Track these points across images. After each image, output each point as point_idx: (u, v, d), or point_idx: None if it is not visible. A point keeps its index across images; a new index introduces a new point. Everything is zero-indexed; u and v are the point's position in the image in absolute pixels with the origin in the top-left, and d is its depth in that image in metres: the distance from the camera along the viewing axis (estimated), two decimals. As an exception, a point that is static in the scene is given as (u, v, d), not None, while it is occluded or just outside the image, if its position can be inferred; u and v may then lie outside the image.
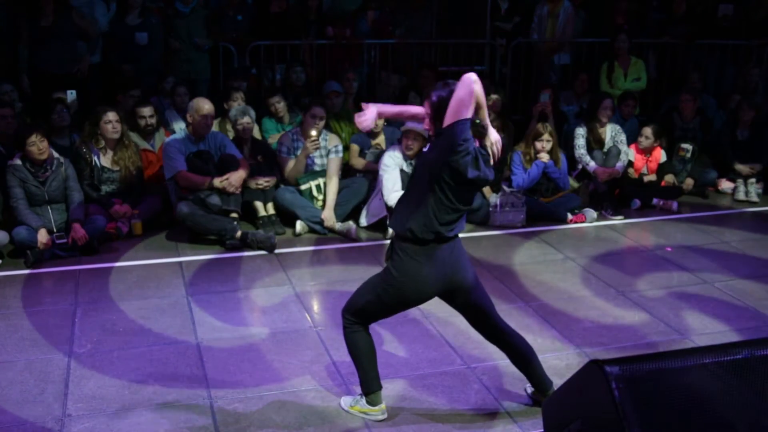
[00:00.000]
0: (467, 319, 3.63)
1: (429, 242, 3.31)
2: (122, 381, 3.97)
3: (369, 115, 3.57)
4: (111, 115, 6.23)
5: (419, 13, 8.96)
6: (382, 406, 3.62)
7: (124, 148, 6.34)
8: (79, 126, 6.65)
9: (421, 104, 7.70)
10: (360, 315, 3.50)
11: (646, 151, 7.52)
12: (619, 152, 7.29)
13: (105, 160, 6.30)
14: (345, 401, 3.73)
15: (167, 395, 3.84)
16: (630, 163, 7.43)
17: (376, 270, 5.49)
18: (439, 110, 3.28)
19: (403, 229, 3.32)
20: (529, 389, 3.79)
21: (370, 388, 3.60)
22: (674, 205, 7.19)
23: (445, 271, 3.37)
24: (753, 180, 7.66)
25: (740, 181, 7.68)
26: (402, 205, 3.40)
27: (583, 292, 5.26)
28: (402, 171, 6.30)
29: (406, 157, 6.35)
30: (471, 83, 3.15)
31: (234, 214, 6.26)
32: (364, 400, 3.63)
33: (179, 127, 7.14)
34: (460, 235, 3.46)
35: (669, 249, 6.13)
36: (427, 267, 3.33)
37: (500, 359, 4.15)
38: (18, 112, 6.66)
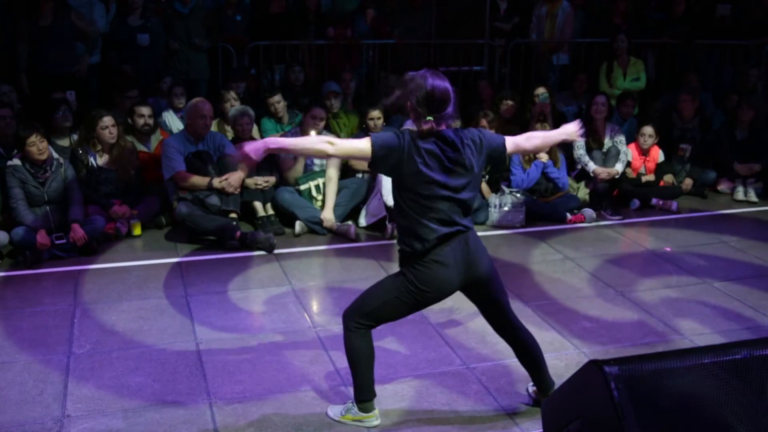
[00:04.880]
0: (481, 311, 3.57)
1: (434, 246, 3.29)
2: (121, 381, 3.97)
3: (254, 145, 3.22)
4: (107, 120, 6.21)
5: (418, 13, 8.96)
6: (376, 411, 3.57)
7: (120, 149, 6.33)
8: (78, 127, 6.64)
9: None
10: (372, 317, 3.41)
11: (645, 151, 7.52)
12: (618, 152, 7.29)
13: (102, 161, 6.29)
14: (333, 412, 3.64)
15: (166, 396, 3.84)
16: (628, 163, 7.44)
17: (376, 270, 5.54)
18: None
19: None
20: (531, 388, 3.77)
21: (367, 395, 3.53)
22: (674, 205, 7.20)
23: (460, 269, 3.33)
24: (752, 180, 7.66)
25: (739, 181, 7.68)
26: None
27: (582, 292, 5.26)
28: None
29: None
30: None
31: (233, 215, 6.26)
32: (356, 408, 3.55)
33: (177, 127, 7.14)
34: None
35: (668, 249, 6.14)
36: (444, 268, 3.29)
37: (499, 359, 4.16)
38: (17, 112, 6.66)
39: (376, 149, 3.16)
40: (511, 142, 3.46)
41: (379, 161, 3.18)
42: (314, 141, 3.28)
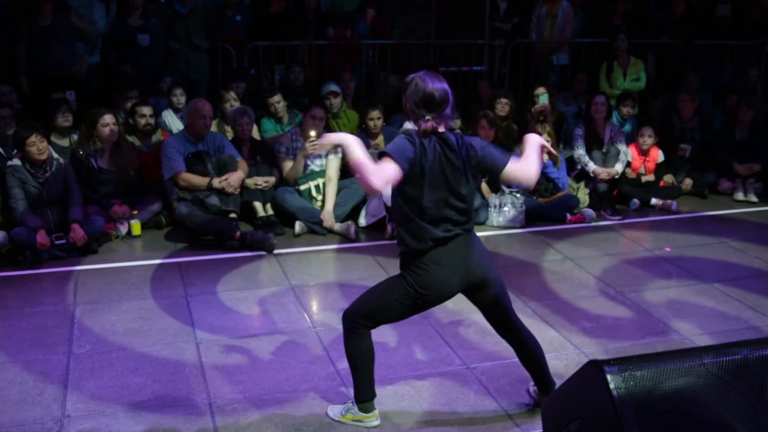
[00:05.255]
0: (483, 314, 3.56)
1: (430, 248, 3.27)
2: (121, 382, 3.97)
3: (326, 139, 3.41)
4: (108, 118, 6.21)
5: (418, 13, 8.97)
6: (376, 411, 3.57)
7: (120, 149, 6.33)
8: (77, 127, 6.64)
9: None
10: (371, 319, 3.41)
11: (645, 151, 7.52)
12: (618, 152, 7.30)
13: (102, 161, 6.29)
14: (333, 411, 3.64)
15: (166, 396, 3.84)
16: (628, 164, 7.44)
17: (376, 270, 5.54)
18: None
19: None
20: (532, 389, 3.76)
21: (367, 396, 3.53)
22: (673, 205, 7.20)
23: (459, 272, 3.30)
24: (752, 180, 7.66)
25: (739, 181, 7.68)
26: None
27: (581, 292, 5.26)
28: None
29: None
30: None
31: (233, 215, 6.26)
32: (356, 408, 3.55)
33: (176, 127, 7.14)
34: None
35: (668, 249, 6.14)
36: (442, 271, 3.27)
37: (499, 359, 4.16)
38: (17, 112, 6.66)
39: (405, 168, 3.09)
40: (509, 170, 3.32)
41: (407, 175, 3.12)
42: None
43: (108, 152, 6.29)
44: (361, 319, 3.41)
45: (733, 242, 6.31)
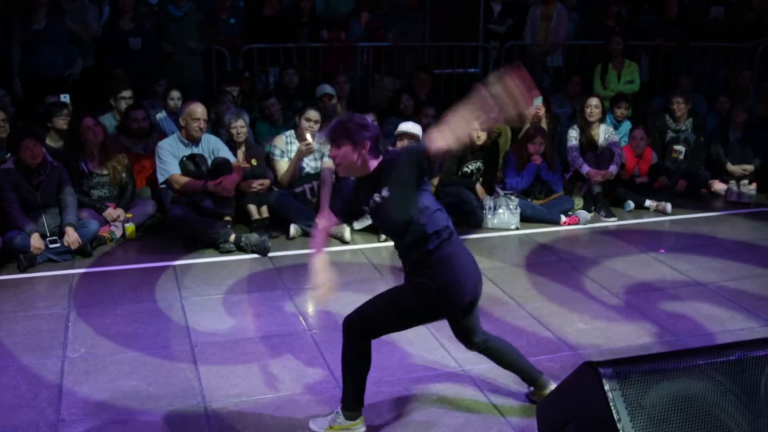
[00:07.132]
0: (455, 330, 3.55)
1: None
2: (116, 385, 3.96)
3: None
4: (87, 121, 6.19)
5: (412, 15, 8.98)
6: (362, 418, 3.51)
7: (108, 150, 6.31)
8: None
9: (413, 105, 7.62)
10: (375, 329, 3.37)
11: (639, 153, 7.54)
12: (612, 154, 7.31)
13: (92, 165, 6.27)
14: (318, 425, 3.54)
15: (161, 399, 3.83)
16: (622, 165, 7.46)
17: (371, 272, 5.54)
18: None
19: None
20: (528, 389, 3.77)
21: (356, 405, 3.48)
22: (668, 206, 7.21)
23: (476, 276, 3.33)
24: (745, 181, 7.69)
25: (733, 182, 7.71)
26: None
27: (576, 293, 5.27)
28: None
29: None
30: None
31: (228, 218, 6.25)
32: (342, 417, 3.48)
33: (171, 130, 7.13)
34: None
35: (662, 251, 6.15)
36: (465, 270, 3.27)
37: (495, 361, 4.16)
38: (10, 116, 6.64)
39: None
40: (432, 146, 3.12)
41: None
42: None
43: (97, 155, 6.27)
44: (363, 328, 3.36)
45: (727, 243, 6.33)
